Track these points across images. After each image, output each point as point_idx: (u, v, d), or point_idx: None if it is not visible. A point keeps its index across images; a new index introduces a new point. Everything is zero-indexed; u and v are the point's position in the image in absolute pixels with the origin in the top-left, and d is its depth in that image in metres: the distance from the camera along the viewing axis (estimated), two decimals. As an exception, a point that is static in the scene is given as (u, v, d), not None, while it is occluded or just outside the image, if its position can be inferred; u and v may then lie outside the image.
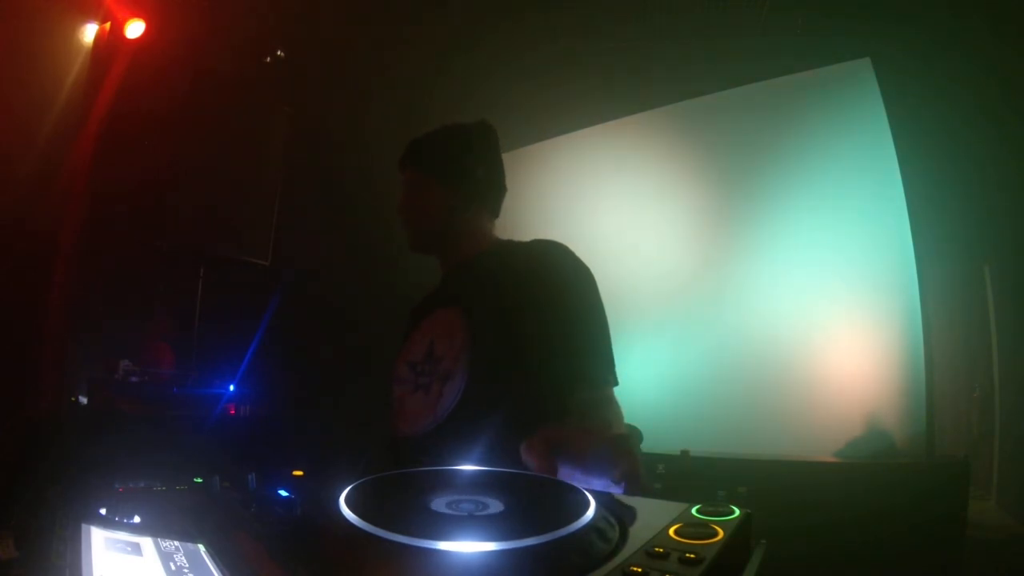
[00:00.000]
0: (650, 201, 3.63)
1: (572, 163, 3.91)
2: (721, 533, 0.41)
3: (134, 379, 2.50)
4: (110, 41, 2.64)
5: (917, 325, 2.79)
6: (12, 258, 2.30)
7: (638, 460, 0.63)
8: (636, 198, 3.66)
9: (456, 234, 1.22)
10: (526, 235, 1.24)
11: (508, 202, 1.28)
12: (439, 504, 0.46)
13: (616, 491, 0.59)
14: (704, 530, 0.41)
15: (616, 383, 1.03)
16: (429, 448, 1.03)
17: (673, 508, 0.46)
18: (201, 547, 0.45)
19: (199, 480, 0.59)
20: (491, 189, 1.24)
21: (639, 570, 0.35)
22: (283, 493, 0.55)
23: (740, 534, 0.44)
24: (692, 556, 0.37)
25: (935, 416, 2.79)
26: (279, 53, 3.20)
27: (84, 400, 2.45)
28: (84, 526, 0.53)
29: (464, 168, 1.21)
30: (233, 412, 2.68)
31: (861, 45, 3.05)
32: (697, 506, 0.45)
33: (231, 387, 2.73)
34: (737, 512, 0.44)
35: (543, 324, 1.01)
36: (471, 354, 1.04)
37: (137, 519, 0.52)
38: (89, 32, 2.61)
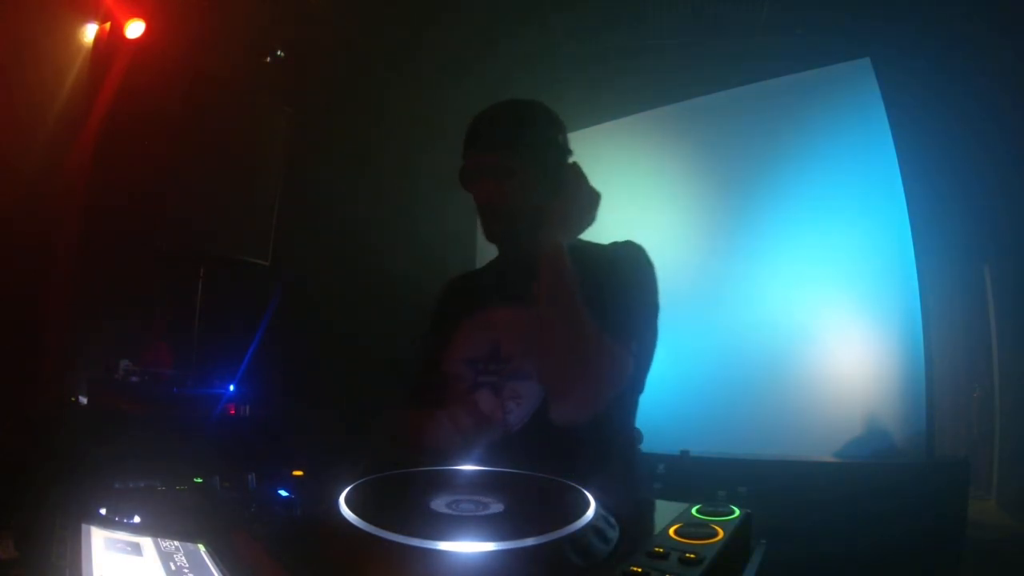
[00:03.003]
0: (650, 201, 3.63)
1: (572, 163, 3.91)
2: (721, 533, 0.41)
3: (134, 379, 2.50)
4: (110, 41, 2.64)
5: (917, 325, 2.79)
6: (12, 258, 2.29)
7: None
8: (636, 198, 3.66)
9: (539, 226, 1.07)
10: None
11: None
12: (439, 504, 0.46)
13: None
14: (704, 530, 0.41)
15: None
16: (499, 455, 0.96)
17: (673, 508, 0.46)
18: (201, 547, 0.45)
19: (199, 480, 0.59)
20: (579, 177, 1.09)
21: (639, 570, 0.35)
22: (283, 493, 0.55)
23: (740, 534, 0.44)
24: (692, 556, 0.37)
25: (935, 416, 2.79)
26: (279, 53, 3.20)
27: (84, 400, 2.45)
28: (84, 526, 0.53)
29: (560, 152, 1.12)
30: (233, 412, 2.67)
31: (861, 45, 3.05)
32: (697, 506, 0.45)
33: (231, 387, 2.73)
34: (737, 512, 0.44)
35: (624, 334, 0.97)
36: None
37: (137, 519, 0.52)
38: (89, 32, 2.61)
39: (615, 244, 1.13)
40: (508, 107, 1.12)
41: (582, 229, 1.07)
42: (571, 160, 1.11)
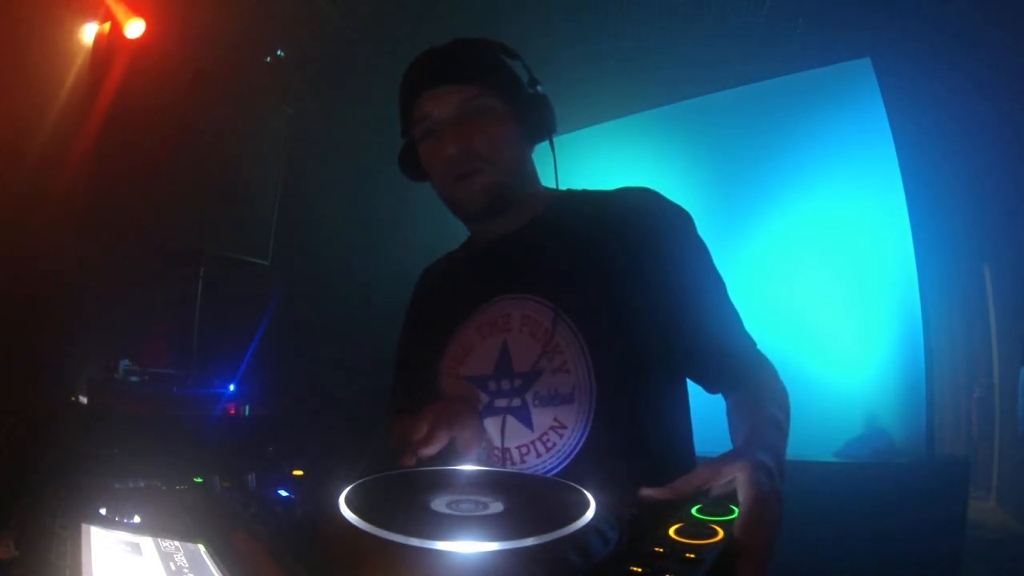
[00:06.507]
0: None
1: (570, 163, 3.91)
2: (721, 533, 0.40)
3: (134, 379, 2.50)
4: (110, 41, 2.64)
5: (917, 325, 2.79)
6: (12, 258, 2.30)
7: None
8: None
9: (525, 184, 0.87)
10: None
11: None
12: (439, 504, 0.46)
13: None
14: (704, 530, 0.41)
15: (755, 342, 0.85)
16: None
17: (673, 508, 0.46)
18: (201, 547, 0.45)
19: (199, 480, 0.59)
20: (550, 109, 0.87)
21: (639, 570, 0.35)
22: (283, 493, 0.55)
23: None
24: (692, 556, 0.37)
25: (935, 416, 2.79)
26: (279, 53, 3.20)
27: (84, 400, 2.45)
28: (84, 526, 0.53)
29: (528, 81, 0.89)
30: (233, 412, 2.67)
31: (861, 45, 3.05)
32: (697, 506, 0.45)
33: (231, 387, 2.73)
34: (737, 512, 0.44)
35: (670, 300, 0.80)
36: (590, 361, 0.78)
37: (137, 519, 0.52)
38: (89, 32, 2.61)
39: (626, 191, 0.92)
40: (456, 41, 0.87)
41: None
42: (540, 89, 0.90)
